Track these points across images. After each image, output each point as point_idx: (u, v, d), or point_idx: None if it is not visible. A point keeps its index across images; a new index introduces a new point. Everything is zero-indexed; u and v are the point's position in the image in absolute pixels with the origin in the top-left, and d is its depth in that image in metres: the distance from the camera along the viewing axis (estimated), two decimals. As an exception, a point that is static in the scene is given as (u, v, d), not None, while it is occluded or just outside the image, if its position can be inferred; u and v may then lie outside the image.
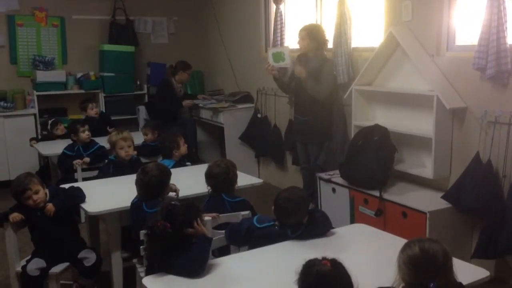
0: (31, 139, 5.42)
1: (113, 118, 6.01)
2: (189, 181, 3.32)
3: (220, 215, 2.77)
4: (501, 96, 3.23)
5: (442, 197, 3.42)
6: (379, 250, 2.37)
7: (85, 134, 4.58)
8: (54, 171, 4.96)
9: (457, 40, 3.63)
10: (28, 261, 2.90)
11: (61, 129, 5.32)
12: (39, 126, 5.96)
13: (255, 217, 2.56)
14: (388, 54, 3.98)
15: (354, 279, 1.67)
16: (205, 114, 6.21)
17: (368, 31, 4.44)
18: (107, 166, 3.95)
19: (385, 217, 3.57)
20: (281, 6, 5.27)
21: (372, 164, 3.67)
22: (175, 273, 2.09)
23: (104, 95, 6.36)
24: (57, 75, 6.14)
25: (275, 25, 5.30)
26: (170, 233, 2.15)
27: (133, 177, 2.93)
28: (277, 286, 2.00)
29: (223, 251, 2.68)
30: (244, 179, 3.29)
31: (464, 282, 1.76)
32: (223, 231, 2.65)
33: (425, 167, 3.74)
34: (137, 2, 6.70)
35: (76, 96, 6.22)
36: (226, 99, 6.17)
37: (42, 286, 2.91)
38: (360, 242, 2.51)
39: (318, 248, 2.29)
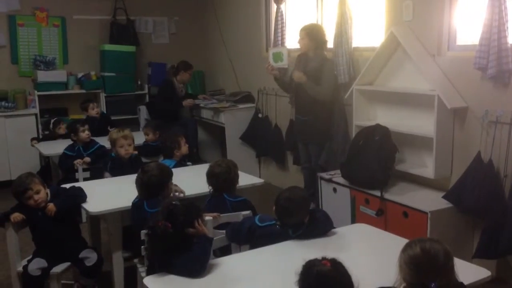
0: (32, 139, 5.42)
1: (114, 118, 6.02)
2: (190, 181, 3.32)
3: (221, 215, 2.77)
4: (502, 96, 3.23)
5: (443, 197, 3.42)
6: (380, 250, 2.37)
7: (85, 134, 4.58)
8: (55, 171, 4.96)
9: (458, 40, 3.63)
10: (29, 261, 2.90)
11: (63, 128, 5.33)
12: (40, 126, 5.98)
13: (257, 216, 2.56)
14: (389, 53, 3.98)
15: (354, 279, 1.67)
16: (206, 114, 6.22)
17: (369, 31, 4.44)
18: (106, 162, 3.97)
19: (386, 217, 3.57)
20: (282, 6, 5.27)
21: (373, 164, 3.67)
22: (176, 273, 2.10)
23: (105, 95, 6.37)
24: (58, 75, 6.15)
25: (276, 24, 5.30)
26: (171, 233, 2.15)
27: (133, 177, 2.94)
28: (278, 286, 2.00)
29: (225, 251, 2.68)
30: (245, 179, 3.29)
31: (466, 282, 1.76)
32: (224, 231, 2.65)
33: (426, 167, 3.74)
34: (138, 2, 6.70)
35: (77, 96, 6.23)
36: (227, 99, 6.17)
37: (43, 286, 2.92)
38: (361, 242, 2.51)
39: (319, 248, 2.29)
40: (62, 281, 3.02)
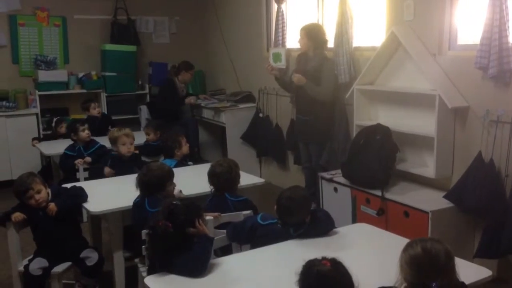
0: (33, 139, 5.43)
1: (115, 117, 6.01)
2: (191, 180, 3.32)
3: (223, 214, 2.77)
4: (503, 95, 3.22)
5: (444, 197, 3.41)
6: (381, 250, 2.37)
7: (85, 133, 4.57)
8: (56, 171, 4.97)
9: (459, 39, 3.62)
10: (30, 261, 2.91)
11: (65, 127, 5.33)
12: (41, 126, 5.98)
13: (259, 215, 2.57)
14: (390, 53, 3.98)
15: (354, 278, 1.67)
16: (207, 114, 6.22)
17: (370, 31, 4.43)
18: (106, 161, 3.99)
19: (387, 217, 3.57)
20: (283, 6, 5.27)
21: (374, 163, 3.67)
22: (177, 273, 2.10)
23: (106, 94, 6.37)
24: (59, 74, 6.15)
25: (277, 24, 5.30)
26: (172, 232, 2.16)
27: (134, 177, 2.95)
28: (279, 285, 2.00)
29: (226, 251, 2.68)
30: (246, 179, 3.29)
31: (467, 282, 1.76)
32: (225, 230, 2.65)
33: (427, 166, 3.73)
34: (138, 2, 6.70)
35: (78, 96, 6.23)
36: (227, 99, 6.17)
37: (44, 285, 2.93)
38: (362, 241, 2.51)
39: (320, 247, 2.29)
40: (63, 281, 3.02)
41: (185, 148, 4.03)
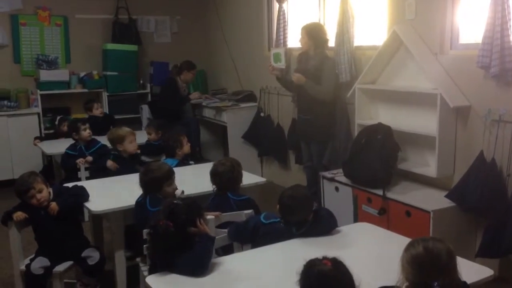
0: (35, 138, 5.43)
1: (116, 117, 6.02)
2: (193, 180, 3.32)
3: (224, 213, 2.77)
4: (505, 95, 3.22)
5: (446, 196, 3.41)
6: (383, 249, 2.37)
7: (86, 132, 4.57)
8: (57, 170, 4.97)
9: (461, 39, 3.62)
10: (32, 260, 2.91)
11: (66, 126, 5.34)
12: (42, 125, 5.99)
13: (263, 214, 2.57)
14: (391, 52, 3.97)
15: (355, 278, 1.66)
16: (208, 113, 6.22)
17: (371, 30, 4.43)
18: (106, 159, 3.99)
19: (389, 216, 3.57)
20: (284, 5, 5.27)
21: (375, 162, 3.67)
22: (178, 272, 2.10)
23: (108, 94, 6.37)
24: (60, 74, 6.16)
25: (278, 24, 5.29)
26: (173, 232, 2.15)
27: (135, 176, 2.96)
28: (281, 285, 2.00)
29: (227, 250, 2.68)
30: (247, 178, 3.28)
31: (468, 281, 1.76)
32: (227, 229, 2.65)
33: (429, 165, 3.73)
34: (140, 1, 6.70)
35: (80, 95, 6.24)
36: (229, 98, 6.17)
37: (46, 284, 2.93)
38: (363, 241, 2.51)
39: (322, 246, 2.29)
40: (65, 280, 3.03)
41: (186, 148, 4.02)
